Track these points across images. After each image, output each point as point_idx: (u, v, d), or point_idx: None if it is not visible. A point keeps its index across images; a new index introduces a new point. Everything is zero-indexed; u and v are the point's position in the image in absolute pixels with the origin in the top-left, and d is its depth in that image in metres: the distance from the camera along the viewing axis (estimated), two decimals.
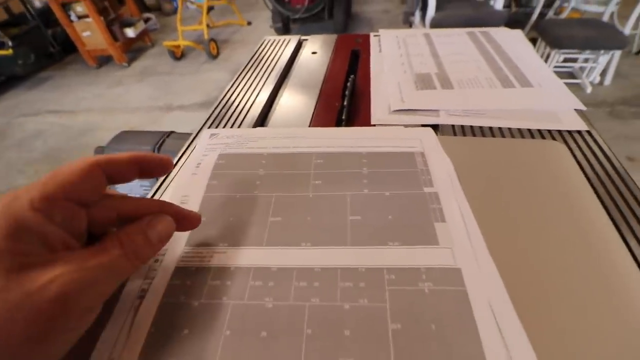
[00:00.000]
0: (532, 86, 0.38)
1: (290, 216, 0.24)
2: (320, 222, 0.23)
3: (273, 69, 0.47)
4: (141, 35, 3.01)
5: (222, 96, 0.43)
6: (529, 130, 0.32)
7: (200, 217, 0.22)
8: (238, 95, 0.43)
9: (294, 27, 3.06)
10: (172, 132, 0.51)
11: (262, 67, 0.48)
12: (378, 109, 0.37)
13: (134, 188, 0.48)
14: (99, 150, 0.57)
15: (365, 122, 0.35)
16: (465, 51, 0.46)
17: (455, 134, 0.33)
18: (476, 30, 0.51)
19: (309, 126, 0.36)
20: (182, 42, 2.73)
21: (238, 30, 3.24)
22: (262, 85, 0.44)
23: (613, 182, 0.28)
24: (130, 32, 2.88)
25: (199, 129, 0.38)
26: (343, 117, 0.36)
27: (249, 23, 3.30)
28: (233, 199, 0.25)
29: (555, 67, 1.94)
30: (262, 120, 0.39)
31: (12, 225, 0.14)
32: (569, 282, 0.20)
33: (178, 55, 2.83)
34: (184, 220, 0.21)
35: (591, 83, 1.96)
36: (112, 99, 2.50)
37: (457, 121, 0.34)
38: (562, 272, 0.21)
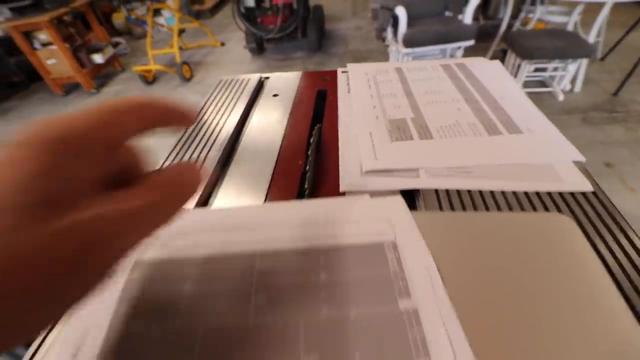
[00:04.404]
0: (521, 132, 0.33)
1: None
2: None
3: (229, 117, 0.41)
4: (110, 61, 2.92)
5: (166, 155, 0.37)
6: (526, 193, 0.27)
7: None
8: (186, 153, 0.36)
9: (268, 46, 3.04)
10: None
11: (217, 114, 0.42)
12: (348, 170, 0.31)
13: None
14: None
15: (334, 188, 0.30)
16: (442, 89, 0.41)
17: (438, 200, 0.27)
18: (452, 62, 0.47)
19: (266, 196, 0.30)
20: (154, 67, 2.65)
21: (211, 52, 3.19)
22: (214, 141, 0.38)
23: (629, 257, 0.23)
24: (98, 58, 2.78)
25: None
26: (306, 186, 0.30)
27: (223, 44, 3.25)
28: (146, 338, 0.19)
29: (527, 77, 1.97)
30: (211, 188, 0.33)
31: (39, 158, 0.12)
32: None
33: (150, 79, 2.74)
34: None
35: (562, 91, 2.00)
36: None
37: (441, 183, 0.28)
38: None
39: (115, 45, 3.17)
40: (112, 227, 0.12)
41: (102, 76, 2.93)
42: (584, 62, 1.96)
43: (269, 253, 0.22)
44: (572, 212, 0.26)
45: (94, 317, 0.20)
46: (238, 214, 0.26)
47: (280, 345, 0.18)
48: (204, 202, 0.31)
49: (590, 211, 0.26)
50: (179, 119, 0.17)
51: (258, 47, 2.89)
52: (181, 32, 2.81)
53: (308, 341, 0.18)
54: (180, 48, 2.72)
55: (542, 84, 2.10)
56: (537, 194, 0.27)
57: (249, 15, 2.64)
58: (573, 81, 2.04)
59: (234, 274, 0.21)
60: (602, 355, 0.17)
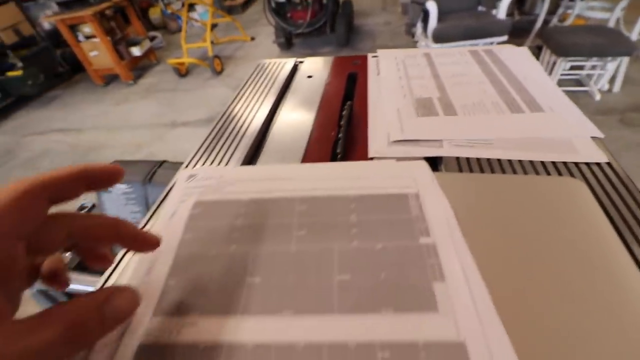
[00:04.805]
0: (542, 110, 0.35)
1: (270, 276, 0.21)
2: (305, 283, 0.20)
3: (267, 95, 0.45)
4: (147, 54, 3.07)
5: (214, 125, 0.41)
6: (542, 162, 0.29)
7: (159, 240, 0.20)
8: (230, 124, 0.41)
9: (297, 41, 3.08)
10: (164, 161, 0.49)
11: (256, 93, 0.46)
12: (376, 139, 0.34)
13: (123, 216, 0.47)
14: None
15: (363, 154, 0.33)
16: (469, 72, 0.43)
17: (460, 167, 0.30)
18: (479, 48, 0.48)
19: (302, 160, 0.34)
20: (187, 60, 2.77)
21: (242, 46, 3.28)
22: (255, 114, 0.42)
23: (637, 219, 0.25)
24: (136, 51, 2.93)
25: (185, 164, 0.36)
26: (338, 151, 0.33)
27: (253, 39, 3.33)
28: (207, 257, 0.23)
29: (562, 75, 1.90)
30: (253, 153, 0.37)
31: None
32: (596, 351, 0.17)
33: (183, 72, 2.86)
34: (142, 243, 0.19)
35: (600, 90, 1.92)
36: (118, 117, 2.53)
37: (462, 152, 0.31)
38: (589, 341, 0.17)
39: (152, 39, 3.31)
40: None
41: (139, 68, 3.08)
42: (625, 60, 1.87)
43: (307, 198, 0.26)
44: (587, 180, 0.28)
45: (164, 241, 0.24)
46: (279, 169, 0.30)
47: (317, 266, 0.21)
48: (248, 162, 0.35)
49: (604, 179, 0.28)
50: (101, 179, 0.18)
51: (287, 41, 2.94)
52: (214, 26, 2.90)
53: (341, 264, 0.21)
54: (212, 42, 2.81)
55: (578, 82, 2.02)
56: (554, 164, 0.29)
57: (279, 10, 2.70)
58: (612, 80, 1.95)
59: (278, 213, 0.25)
60: (609, 314, 0.19)
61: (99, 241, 0.19)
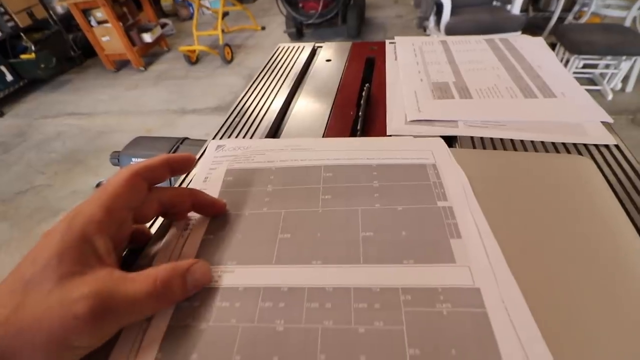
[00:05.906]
0: (555, 96, 0.36)
1: (300, 233, 0.23)
2: (331, 239, 0.22)
3: (287, 76, 0.47)
4: (158, 40, 3.08)
5: (236, 103, 0.43)
6: (553, 143, 0.31)
7: (225, 204, 0.25)
8: (252, 102, 0.43)
9: (307, 31, 3.07)
10: (185, 138, 0.52)
11: (277, 74, 0.48)
12: (394, 118, 0.36)
13: None
14: (115, 155, 0.58)
15: (381, 132, 0.35)
16: (484, 59, 0.45)
17: (474, 146, 0.32)
18: (495, 37, 0.50)
19: (323, 136, 0.35)
20: (198, 47, 2.77)
21: (252, 35, 3.28)
22: (277, 93, 0.44)
23: None
24: (147, 37, 2.94)
25: (212, 137, 0.38)
26: (358, 128, 0.35)
27: (263, 28, 3.33)
28: (241, 217, 0.25)
29: (575, 73, 1.89)
30: (275, 129, 0.39)
31: (76, 238, 0.16)
32: (597, 304, 0.19)
33: (193, 59, 2.87)
34: (213, 208, 0.25)
35: (612, 90, 1.90)
36: (129, 102, 2.55)
37: (476, 132, 0.32)
38: (589, 293, 0.19)
39: (163, 26, 3.32)
40: (111, 306, 0.15)
41: (149, 55, 3.09)
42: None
43: (331, 166, 0.28)
44: (595, 161, 0.29)
45: None
46: (304, 141, 0.32)
47: (343, 225, 0.23)
48: (274, 132, 0.37)
49: (612, 160, 0.29)
50: (181, 165, 0.23)
51: (297, 32, 2.93)
52: (225, 14, 2.90)
53: (365, 223, 0.23)
54: (223, 31, 2.81)
55: (591, 81, 2.00)
56: (564, 145, 0.31)
57: (291, 0, 2.69)
58: (625, 80, 1.93)
59: (305, 179, 0.27)
60: (609, 274, 0.20)
61: (182, 208, 0.24)
